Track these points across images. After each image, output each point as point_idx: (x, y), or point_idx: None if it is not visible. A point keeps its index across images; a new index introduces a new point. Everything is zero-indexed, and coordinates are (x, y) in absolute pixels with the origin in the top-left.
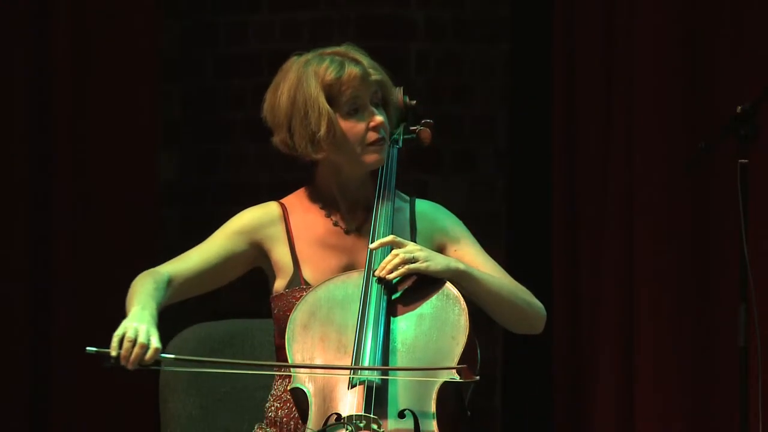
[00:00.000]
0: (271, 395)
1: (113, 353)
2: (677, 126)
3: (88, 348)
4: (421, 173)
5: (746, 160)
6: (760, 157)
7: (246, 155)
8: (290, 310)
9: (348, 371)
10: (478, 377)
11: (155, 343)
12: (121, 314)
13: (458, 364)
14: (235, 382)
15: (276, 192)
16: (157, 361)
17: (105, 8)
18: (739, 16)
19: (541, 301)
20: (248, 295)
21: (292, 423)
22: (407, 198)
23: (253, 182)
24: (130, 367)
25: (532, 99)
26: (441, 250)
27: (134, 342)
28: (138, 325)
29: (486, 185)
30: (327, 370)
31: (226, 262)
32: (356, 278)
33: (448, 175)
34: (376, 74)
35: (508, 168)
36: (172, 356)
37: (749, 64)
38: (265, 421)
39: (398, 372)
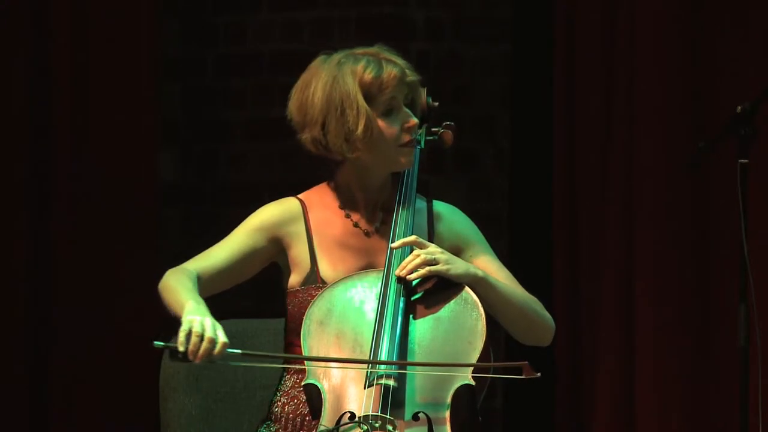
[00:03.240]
0: (278, 390)
1: (181, 348)
2: (677, 126)
3: (155, 342)
4: (421, 173)
5: (746, 160)
6: (760, 157)
7: (246, 155)
8: (305, 307)
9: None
10: (539, 374)
11: (222, 337)
12: (122, 315)
13: (473, 370)
14: (236, 381)
15: (275, 192)
16: (223, 356)
17: (105, 8)
18: (739, 16)
19: (541, 301)
20: (249, 295)
21: (298, 419)
22: (425, 199)
23: (252, 182)
24: (198, 361)
25: (532, 99)
26: (456, 253)
27: (201, 337)
28: (202, 319)
29: (486, 185)
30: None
31: (248, 258)
32: (374, 277)
33: (449, 175)
34: (411, 75)
35: (509, 168)
36: (238, 351)
37: (749, 64)
38: (272, 417)
39: (415, 375)
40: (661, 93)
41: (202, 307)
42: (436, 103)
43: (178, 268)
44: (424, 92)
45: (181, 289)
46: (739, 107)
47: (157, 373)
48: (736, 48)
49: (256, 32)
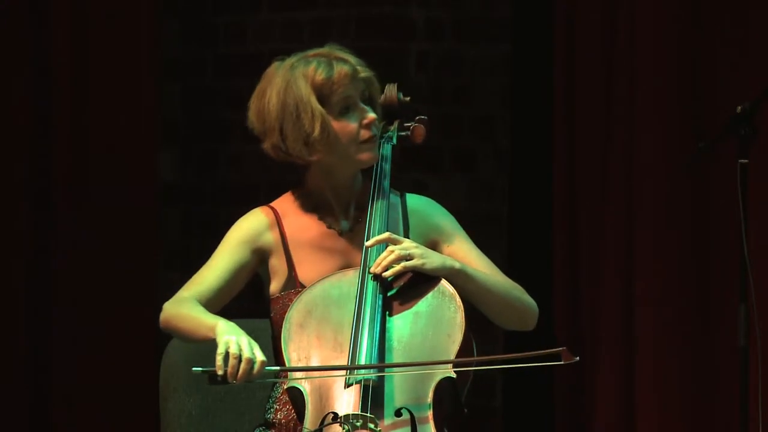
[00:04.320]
0: (269, 397)
1: (220, 372)
2: (677, 126)
3: (194, 368)
4: (421, 173)
5: (746, 160)
6: (760, 157)
7: (246, 155)
8: (285, 312)
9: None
10: (578, 358)
11: (260, 356)
12: (122, 315)
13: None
14: None
15: (276, 192)
16: (262, 375)
17: (105, 8)
18: (739, 16)
19: (541, 302)
20: (248, 295)
21: (291, 424)
22: (398, 193)
23: (252, 182)
24: (237, 383)
25: (532, 99)
26: (434, 246)
27: (239, 358)
28: (238, 339)
29: (486, 185)
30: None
31: (237, 274)
32: (352, 276)
33: (448, 175)
34: (364, 72)
35: (508, 168)
36: (277, 368)
37: (749, 64)
38: (267, 424)
39: (395, 370)
40: (661, 93)
41: (235, 326)
42: (408, 98)
43: (175, 298)
44: (394, 87)
45: (198, 313)
46: (739, 107)
47: (157, 373)
48: (736, 48)
49: (256, 32)
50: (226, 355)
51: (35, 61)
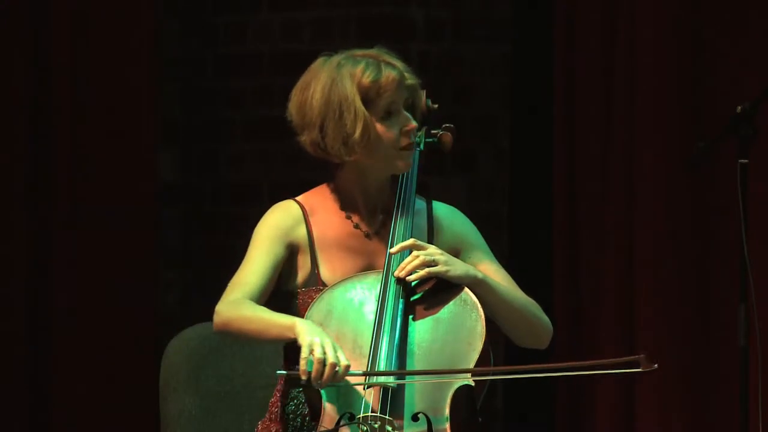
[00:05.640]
0: (277, 390)
1: (303, 377)
2: (677, 126)
3: (278, 371)
4: (421, 173)
5: (746, 160)
6: (760, 157)
7: (246, 155)
8: (306, 309)
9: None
10: (656, 365)
11: (344, 360)
12: (121, 315)
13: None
14: (236, 381)
15: (276, 192)
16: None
17: (105, 8)
18: (739, 16)
19: (541, 302)
20: None
21: (299, 419)
22: (424, 200)
23: (252, 182)
24: (322, 387)
25: (532, 99)
26: (455, 255)
27: (323, 362)
28: (322, 341)
29: (486, 185)
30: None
31: (276, 271)
32: (374, 279)
33: (448, 175)
34: (410, 79)
35: (509, 168)
36: (360, 372)
37: (749, 64)
38: (267, 415)
39: (416, 375)
40: (661, 93)
41: (314, 326)
42: (436, 105)
43: (228, 301)
44: (423, 94)
45: (265, 314)
46: (739, 107)
47: (157, 373)
48: (736, 48)
49: (256, 32)
50: (311, 358)
51: (35, 61)
